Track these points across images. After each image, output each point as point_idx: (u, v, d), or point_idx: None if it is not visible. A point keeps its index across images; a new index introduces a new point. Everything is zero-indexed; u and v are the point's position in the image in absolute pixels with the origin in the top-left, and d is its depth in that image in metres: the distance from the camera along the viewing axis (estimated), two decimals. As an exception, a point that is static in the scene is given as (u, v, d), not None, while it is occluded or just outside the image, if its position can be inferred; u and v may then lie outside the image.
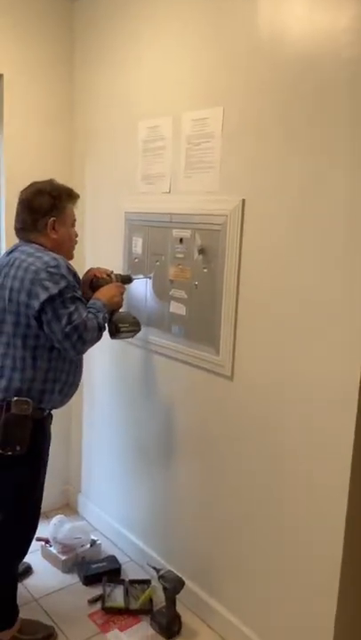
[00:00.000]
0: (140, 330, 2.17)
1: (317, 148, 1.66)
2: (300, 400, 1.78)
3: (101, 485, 2.85)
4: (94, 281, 2.14)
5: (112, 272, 2.21)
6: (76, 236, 2.10)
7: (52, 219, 1.94)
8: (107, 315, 1.99)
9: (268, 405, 1.90)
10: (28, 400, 1.86)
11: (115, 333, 2.09)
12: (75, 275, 1.90)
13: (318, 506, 1.75)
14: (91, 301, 1.99)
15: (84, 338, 1.83)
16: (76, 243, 2.10)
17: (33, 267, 1.81)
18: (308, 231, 1.71)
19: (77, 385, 2.06)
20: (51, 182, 2.01)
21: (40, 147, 2.69)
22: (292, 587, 1.87)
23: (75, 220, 2.07)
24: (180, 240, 2.17)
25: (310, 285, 1.72)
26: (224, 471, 2.10)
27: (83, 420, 2.95)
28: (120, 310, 2.12)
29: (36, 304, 1.79)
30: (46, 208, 1.94)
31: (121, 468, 2.68)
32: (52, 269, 1.80)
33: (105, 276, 2.16)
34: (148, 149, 2.32)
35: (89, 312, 1.91)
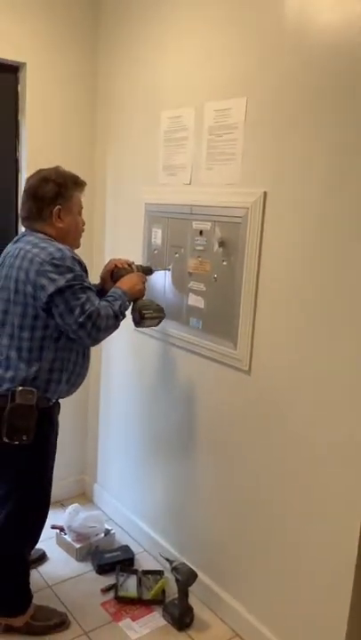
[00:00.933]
0: (164, 316, 2.15)
1: (343, 140, 1.63)
2: (317, 395, 1.77)
3: (117, 476, 2.86)
4: (115, 271, 2.14)
5: (133, 263, 2.20)
6: (84, 224, 2.05)
7: (57, 207, 1.91)
8: (127, 303, 1.97)
9: (285, 400, 1.88)
10: (33, 390, 1.85)
11: (139, 321, 2.06)
12: (80, 263, 1.87)
13: (335, 500, 1.74)
14: (111, 290, 1.99)
15: (98, 325, 1.81)
16: (82, 231, 2.06)
17: (38, 258, 1.79)
18: (331, 225, 1.68)
19: (84, 375, 2.05)
20: (56, 169, 1.97)
21: (62, 136, 2.69)
22: (305, 583, 1.86)
23: (81, 208, 2.03)
24: (200, 232, 2.16)
25: (332, 281, 1.69)
26: (240, 464, 2.09)
27: (100, 411, 2.96)
28: (143, 298, 2.10)
29: (43, 296, 1.77)
30: (51, 196, 1.91)
31: (137, 459, 2.69)
32: (56, 261, 1.78)
33: (126, 266, 2.16)
34: (169, 140, 2.30)
35: (105, 299, 1.90)
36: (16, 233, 2.71)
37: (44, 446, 1.98)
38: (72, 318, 1.78)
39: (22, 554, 2.07)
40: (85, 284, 1.84)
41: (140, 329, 2.23)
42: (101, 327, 1.83)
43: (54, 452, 2.07)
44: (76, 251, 1.93)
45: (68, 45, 2.64)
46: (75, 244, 2.01)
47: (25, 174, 2.62)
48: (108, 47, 2.66)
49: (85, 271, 1.90)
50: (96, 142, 2.79)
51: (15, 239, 1.97)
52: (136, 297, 2.06)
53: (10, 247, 1.95)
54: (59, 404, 2.04)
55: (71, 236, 1.98)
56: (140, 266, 2.24)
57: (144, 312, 2.06)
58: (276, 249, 1.87)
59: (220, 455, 2.19)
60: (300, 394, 1.83)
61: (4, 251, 1.98)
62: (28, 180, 1.97)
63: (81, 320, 1.78)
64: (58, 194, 1.91)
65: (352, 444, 1.66)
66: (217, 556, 2.25)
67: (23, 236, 1.94)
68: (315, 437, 1.79)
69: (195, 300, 2.22)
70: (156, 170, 2.39)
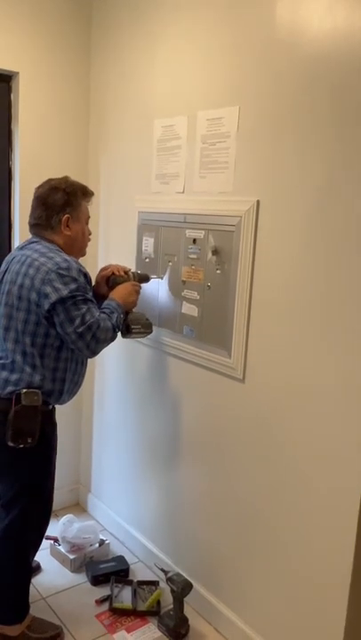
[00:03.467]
0: (151, 332, 2.18)
1: (334, 150, 1.63)
2: (311, 403, 1.76)
3: (111, 485, 2.85)
4: (111, 278, 2.15)
5: (130, 270, 2.21)
6: (90, 233, 2.10)
7: (65, 215, 1.95)
8: (122, 315, 2.00)
9: (279, 408, 1.88)
10: (37, 391, 1.87)
11: (126, 333, 2.10)
12: (86, 275, 1.90)
13: (330, 511, 1.73)
14: (106, 302, 2.01)
15: (97, 337, 1.85)
16: (89, 240, 2.10)
17: (44, 267, 1.82)
18: (323, 234, 1.69)
19: (81, 384, 2.07)
20: (66, 179, 2.01)
21: (55, 145, 2.69)
22: (301, 593, 1.85)
23: (89, 218, 2.07)
24: (194, 240, 2.16)
25: (324, 288, 1.69)
26: (234, 473, 2.08)
27: (93, 420, 2.95)
28: (134, 310, 2.12)
29: (46, 304, 1.80)
30: (60, 205, 1.95)
31: (131, 469, 2.68)
32: (62, 271, 1.81)
33: (122, 273, 2.17)
34: (162, 149, 2.31)
35: (102, 312, 1.93)
36: (10, 239, 2.70)
37: (47, 448, 1.99)
38: (72, 328, 1.81)
39: (26, 559, 2.06)
40: (88, 295, 1.87)
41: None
42: (100, 339, 1.86)
43: (56, 454, 2.08)
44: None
45: (60, 54, 2.64)
46: (81, 252, 2.06)
47: (18, 183, 2.62)
48: (101, 56, 2.66)
49: (90, 283, 1.93)
50: (89, 151, 2.80)
51: (21, 245, 1.99)
52: (129, 308, 2.09)
53: (16, 252, 1.97)
54: (54, 407, 2.05)
55: (77, 245, 2.02)
56: (137, 273, 2.24)
57: (133, 327, 2.10)
58: (270, 257, 1.87)
59: (214, 464, 2.18)
60: (294, 402, 1.82)
61: (9, 255, 2.00)
62: (38, 188, 2.01)
63: (80, 330, 1.81)
64: (67, 202, 1.95)
65: (346, 454, 1.66)
66: (212, 567, 2.23)
67: (30, 242, 1.96)
68: (309, 446, 1.78)
69: (188, 309, 2.22)
70: (149, 178, 2.40)
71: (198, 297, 2.17)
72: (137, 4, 2.40)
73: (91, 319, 1.83)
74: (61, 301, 1.79)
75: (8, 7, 2.46)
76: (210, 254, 2.09)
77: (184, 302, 2.24)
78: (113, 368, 2.75)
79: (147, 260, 2.42)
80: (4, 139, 2.62)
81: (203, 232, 2.11)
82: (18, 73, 2.53)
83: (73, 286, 1.81)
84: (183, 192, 2.22)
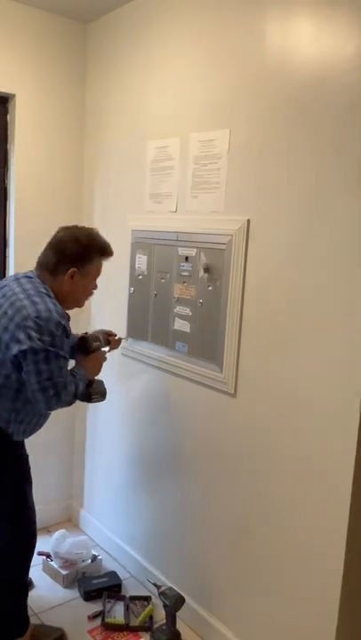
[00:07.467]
0: (105, 400, 2.17)
1: (322, 172, 1.70)
2: (302, 417, 1.80)
3: (103, 501, 2.85)
4: (87, 337, 2.12)
5: (103, 333, 2.20)
6: (95, 288, 2.03)
7: (73, 269, 1.89)
8: (85, 385, 1.99)
9: (270, 422, 1.91)
10: None
11: (85, 399, 2.07)
12: (65, 326, 1.81)
13: (322, 525, 1.76)
14: (76, 367, 2.00)
15: (60, 396, 1.80)
16: (91, 294, 2.04)
17: (24, 311, 1.76)
18: (312, 252, 1.74)
19: (43, 423, 2.02)
20: (90, 233, 1.97)
21: (51, 165, 2.75)
22: (293, 606, 1.87)
23: (99, 274, 2.01)
24: (186, 258, 2.21)
25: (313, 305, 1.74)
26: (226, 488, 2.11)
27: (86, 436, 2.96)
28: (96, 379, 2.12)
29: (15, 349, 1.74)
30: (73, 257, 1.89)
31: (123, 484, 2.69)
32: (40, 321, 1.74)
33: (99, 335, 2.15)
34: (155, 169, 2.37)
35: (72, 374, 1.90)
36: (4, 259, 2.74)
37: (16, 483, 1.96)
38: (36, 379, 1.75)
39: (20, 580, 2.08)
40: (61, 352, 1.79)
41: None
42: (62, 399, 1.82)
43: (29, 484, 2.04)
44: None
45: (56, 77, 2.71)
46: (76, 304, 1.99)
47: (13, 202, 2.66)
48: (96, 78, 2.73)
49: (67, 334, 1.85)
50: (84, 170, 2.85)
51: (17, 275, 1.95)
52: (92, 378, 2.08)
53: (9, 281, 1.92)
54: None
55: (74, 298, 1.96)
56: (105, 334, 2.20)
57: (93, 397, 2.09)
58: (260, 274, 1.92)
59: (207, 479, 2.20)
60: (285, 416, 1.86)
61: (3, 281, 1.96)
62: (60, 231, 1.97)
63: (45, 384, 1.76)
64: (80, 257, 1.90)
65: (337, 462, 1.69)
66: (204, 581, 2.24)
67: (26, 276, 1.92)
68: (301, 460, 1.81)
69: (181, 325, 2.26)
70: (142, 197, 2.45)
71: (190, 313, 2.21)
72: (132, 28, 2.47)
73: (58, 378, 1.77)
74: (33, 352, 1.73)
75: (4, 30, 2.53)
76: (202, 272, 2.14)
77: (176, 318, 2.28)
78: (105, 384, 2.76)
79: (140, 277, 2.47)
80: (-1, 158, 2.68)
81: (195, 250, 2.16)
82: (14, 95, 2.59)
83: (47, 339, 1.74)
84: (176, 211, 2.27)
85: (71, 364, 1.98)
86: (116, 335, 2.25)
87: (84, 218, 2.81)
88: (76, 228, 1.98)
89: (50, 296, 1.85)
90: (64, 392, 1.81)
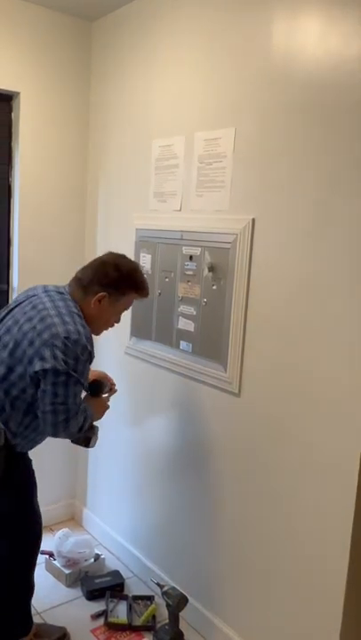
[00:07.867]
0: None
1: (327, 171, 1.69)
2: (306, 417, 1.79)
3: (107, 500, 2.85)
4: (98, 382, 2.09)
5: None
6: (118, 322, 2.01)
7: (103, 293, 1.86)
8: (88, 426, 1.94)
9: (274, 422, 1.90)
10: (2, 428, 1.79)
11: (81, 442, 2.02)
12: (90, 352, 1.79)
13: (327, 525, 1.75)
14: (88, 405, 1.94)
15: (69, 423, 1.76)
16: (112, 326, 2.01)
17: (54, 329, 1.72)
18: (317, 251, 1.73)
19: (42, 439, 1.99)
20: (135, 267, 1.96)
21: (55, 162, 2.75)
22: (297, 608, 1.86)
23: (126, 309, 1.99)
24: (190, 257, 2.20)
25: (319, 305, 1.74)
26: (230, 488, 2.10)
27: (90, 434, 2.96)
28: (95, 424, 2.06)
29: (37, 365, 1.71)
30: (108, 282, 1.87)
31: (126, 484, 2.69)
32: (69, 342, 1.71)
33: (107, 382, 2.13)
34: (160, 168, 2.36)
35: (85, 409, 1.87)
36: (8, 256, 2.74)
37: (20, 485, 1.95)
38: (50, 401, 1.72)
39: (26, 579, 2.07)
40: (81, 379, 1.77)
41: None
42: (69, 427, 1.77)
43: (35, 487, 2.03)
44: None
45: (61, 75, 2.71)
46: (95, 330, 1.94)
47: (18, 200, 2.66)
48: (101, 77, 2.73)
49: (90, 360, 1.83)
50: (88, 169, 2.85)
51: (48, 288, 1.91)
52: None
53: (38, 291, 1.89)
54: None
55: (97, 324, 1.92)
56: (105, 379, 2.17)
57: (91, 442, 2.03)
58: (265, 273, 1.91)
59: (210, 478, 2.19)
60: (290, 416, 1.85)
61: (32, 289, 1.94)
62: (106, 254, 1.97)
63: (58, 408, 1.73)
64: (115, 284, 1.88)
65: (342, 462, 1.69)
66: (208, 581, 2.24)
67: (58, 291, 1.89)
68: (305, 459, 1.81)
69: (185, 324, 2.26)
70: (147, 196, 2.44)
71: (195, 312, 2.20)
72: (137, 26, 2.47)
73: (72, 405, 1.74)
74: (54, 372, 1.69)
75: (9, 28, 2.52)
76: (206, 271, 2.13)
77: (180, 317, 2.27)
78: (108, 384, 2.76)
79: (145, 275, 2.45)
80: (4, 156, 2.67)
81: (199, 249, 2.16)
82: (19, 93, 2.59)
83: (71, 362, 1.71)
84: (180, 210, 2.27)
85: None
86: (115, 384, 2.19)
87: (88, 216, 2.81)
88: (123, 257, 1.97)
89: (80, 316, 1.83)
90: (74, 420, 1.77)
